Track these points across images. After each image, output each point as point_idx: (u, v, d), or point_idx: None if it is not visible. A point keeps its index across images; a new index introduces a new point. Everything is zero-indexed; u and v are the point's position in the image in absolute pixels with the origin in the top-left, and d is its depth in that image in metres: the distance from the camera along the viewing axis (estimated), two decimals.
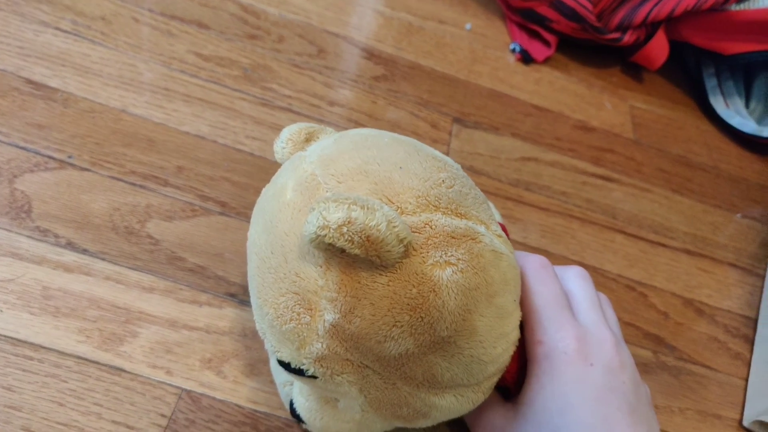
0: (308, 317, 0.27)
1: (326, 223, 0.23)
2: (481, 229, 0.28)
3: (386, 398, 0.30)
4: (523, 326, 0.32)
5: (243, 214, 0.50)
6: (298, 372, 0.29)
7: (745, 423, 0.51)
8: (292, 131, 0.34)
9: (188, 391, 0.40)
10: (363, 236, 0.24)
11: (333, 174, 0.28)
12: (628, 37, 0.71)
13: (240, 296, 0.46)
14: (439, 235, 0.27)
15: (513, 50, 0.73)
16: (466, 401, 0.30)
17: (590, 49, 0.75)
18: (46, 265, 0.43)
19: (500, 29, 0.75)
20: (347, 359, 0.28)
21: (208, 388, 0.41)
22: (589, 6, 0.69)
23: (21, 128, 0.48)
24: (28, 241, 0.43)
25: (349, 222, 0.23)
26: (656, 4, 0.68)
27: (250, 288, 0.31)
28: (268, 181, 0.51)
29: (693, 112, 0.76)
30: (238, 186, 0.51)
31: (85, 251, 0.44)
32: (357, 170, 0.28)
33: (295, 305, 0.27)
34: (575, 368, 0.30)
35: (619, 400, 0.30)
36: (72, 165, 0.48)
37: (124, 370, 0.40)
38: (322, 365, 0.28)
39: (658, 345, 0.53)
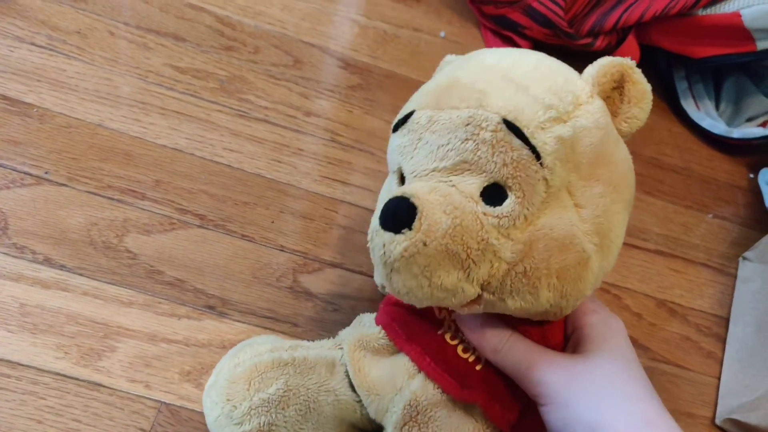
0: (566, 107, 0.30)
1: (631, 67, 0.32)
2: None
3: (556, 221, 0.31)
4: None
5: (221, 226, 0.50)
6: (525, 139, 0.29)
7: (718, 421, 0.52)
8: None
9: (167, 405, 0.41)
10: (647, 89, 0.33)
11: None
12: (599, 43, 0.72)
13: (219, 308, 0.46)
14: None
15: None
16: (595, 276, 0.33)
17: (563, 54, 0.76)
18: (23, 282, 0.43)
19: (475, 36, 0.76)
20: (567, 162, 0.30)
21: (187, 401, 0.41)
22: (561, 12, 0.70)
23: None
24: (4, 258, 0.44)
25: (644, 78, 0.33)
26: (626, 10, 0.70)
27: (477, 75, 0.32)
28: (247, 193, 0.52)
29: (665, 115, 0.78)
30: (216, 198, 0.51)
31: (62, 267, 0.44)
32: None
33: (558, 92, 0.30)
34: (624, 335, 0.36)
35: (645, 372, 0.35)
36: (49, 181, 0.48)
37: (103, 385, 0.40)
38: (554, 148, 0.30)
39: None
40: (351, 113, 0.62)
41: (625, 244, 0.61)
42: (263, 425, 0.38)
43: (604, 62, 0.32)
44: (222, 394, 0.38)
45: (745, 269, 0.62)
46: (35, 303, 0.42)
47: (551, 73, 0.32)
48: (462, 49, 0.73)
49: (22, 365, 0.40)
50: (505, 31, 0.75)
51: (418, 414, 0.36)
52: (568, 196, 0.31)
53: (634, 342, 0.54)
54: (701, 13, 0.67)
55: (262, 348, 0.41)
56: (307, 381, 0.39)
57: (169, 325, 0.44)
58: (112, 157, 0.51)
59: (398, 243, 0.28)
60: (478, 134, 0.29)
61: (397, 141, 0.33)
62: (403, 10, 0.74)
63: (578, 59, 0.76)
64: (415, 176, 0.32)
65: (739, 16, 0.65)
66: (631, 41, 0.73)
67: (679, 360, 0.55)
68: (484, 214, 0.30)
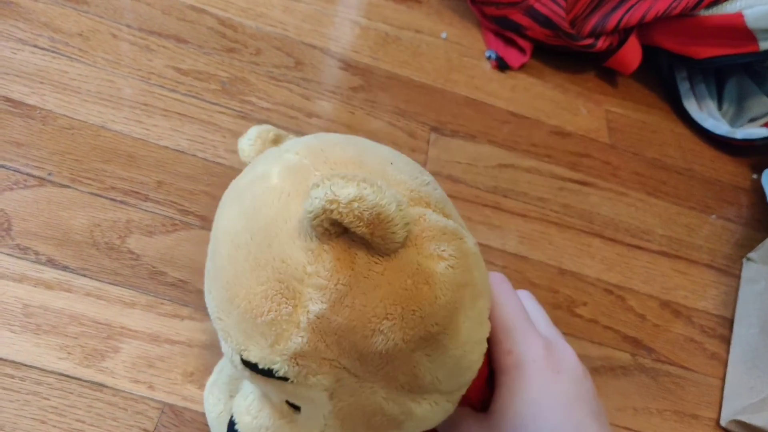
0: (290, 308, 0.25)
1: (336, 197, 0.23)
2: (464, 231, 0.29)
3: (359, 405, 0.28)
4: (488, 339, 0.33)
5: None
6: (267, 373, 0.27)
7: (723, 422, 0.52)
8: (260, 130, 0.33)
9: (171, 405, 0.41)
10: (373, 214, 0.23)
11: (325, 162, 0.27)
12: (601, 43, 0.72)
13: None
14: (433, 230, 0.27)
15: (489, 58, 0.74)
16: (440, 410, 0.30)
17: (565, 55, 0.76)
18: (26, 283, 0.43)
19: (476, 37, 0.76)
20: (326, 358, 0.26)
21: (190, 402, 0.41)
22: (562, 13, 0.70)
23: (0, 146, 0.49)
24: (8, 258, 0.43)
25: (360, 198, 0.23)
26: (628, 11, 0.70)
27: (212, 282, 0.29)
28: None
29: (667, 116, 0.78)
30: (218, 200, 0.51)
31: (65, 268, 0.44)
32: (351, 160, 0.27)
33: (275, 294, 0.25)
34: (545, 376, 0.31)
35: (586, 407, 0.31)
36: (51, 182, 0.48)
37: (106, 386, 0.40)
38: (298, 363, 0.26)
39: (636, 347, 0.54)
40: (353, 114, 0.62)
41: (628, 245, 0.61)
42: None
43: (306, 212, 0.24)
44: (224, 390, 0.38)
45: (749, 270, 0.62)
46: (38, 303, 0.42)
47: (266, 254, 0.26)
48: (464, 51, 0.73)
49: (25, 366, 0.39)
50: (506, 32, 0.75)
51: None
52: (353, 379, 0.27)
53: (638, 343, 0.54)
54: (703, 13, 0.67)
55: None
56: None
57: (172, 326, 0.44)
58: (115, 159, 0.51)
59: None
60: (240, 372, 0.29)
61: None
62: (404, 12, 0.75)
63: (581, 60, 0.76)
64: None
65: (742, 16, 0.65)
66: (633, 42, 0.73)
67: (684, 361, 0.55)
68: (293, 421, 0.32)
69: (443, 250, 0.27)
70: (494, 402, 0.32)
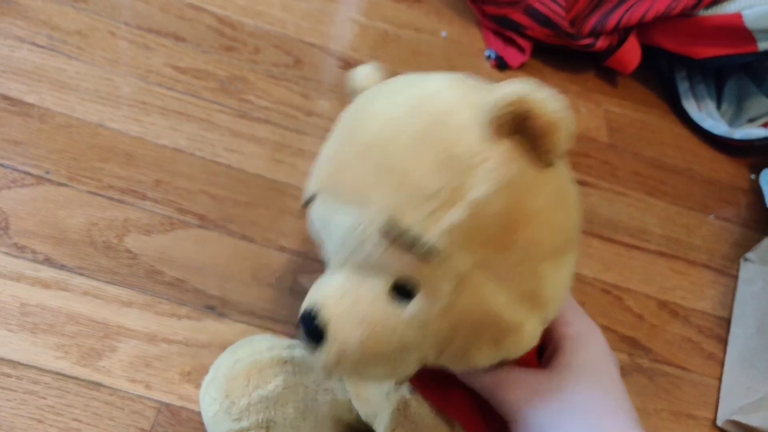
0: (458, 182, 0.26)
1: (532, 93, 0.25)
2: None
3: (477, 304, 0.28)
4: None
5: (221, 226, 0.50)
6: (412, 242, 0.27)
7: (719, 422, 0.52)
8: (376, 66, 0.34)
9: (167, 405, 0.41)
10: (557, 117, 0.25)
11: (473, 88, 0.29)
12: (601, 43, 0.72)
13: (219, 309, 0.46)
14: (565, 166, 0.30)
15: (488, 57, 0.74)
16: (534, 337, 0.30)
17: (564, 54, 0.76)
18: (23, 282, 0.43)
19: (475, 36, 0.76)
20: (473, 241, 0.27)
21: (187, 401, 0.41)
22: (562, 12, 0.70)
23: None
24: (5, 257, 0.43)
25: (552, 101, 0.25)
26: (627, 10, 0.70)
27: (355, 155, 0.29)
28: (247, 194, 0.52)
29: (666, 116, 0.78)
30: (217, 199, 0.51)
31: (62, 267, 0.44)
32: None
33: (446, 166, 0.26)
34: (603, 348, 0.35)
35: (622, 385, 0.34)
36: (49, 180, 0.48)
37: (103, 385, 0.40)
38: (448, 238, 0.26)
39: (633, 347, 0.54)
40: None
41: (626, 245, 0.61)
42: (261, 422, 0.38)
43: (496, 100, 0.26)
44: (220, 390, 0.38)
45: (746, 270, 0.62)
46: (36, 302, 0.42)
47: (438, 134, 0.27)
48: (464, 50, 0.73)
49: (22, 365, 0.39)
50: (506, 31, 0.75)
51: (405, 419, 0.35)
52: (483, 274, 0.28)
53: (636, 343, 0.54)
54: (703, 13, 0.67)
55: (260, 346, 0.41)
56: (305, 379, 0.39)
57: (169, 325, 0.44)
58: (113, 157, 0.51)
59: (317, 359, 0.30)
60: (366, 242, 0.28)
61: (312, 217, 0.32)
62: (403, 10, 0.74)
63: (580, 59, 0.76)
64: (332, 263, 0.31)
65: (741, 17, 0.65)
66: (632, 42, 0.73)
67: (681, 361, 0.55)
68: (396, 314, 0.29)
69: (573, 183, 0.30)
70: (556, 359, 0.34)
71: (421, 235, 0.26)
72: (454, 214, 0.26)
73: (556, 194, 0.28)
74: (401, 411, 0.35)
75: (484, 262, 0.27)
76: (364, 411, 0.38)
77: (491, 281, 0.28)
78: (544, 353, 0.36)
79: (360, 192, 0.28)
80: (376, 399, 0.37)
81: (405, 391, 0.36)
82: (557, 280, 0.29)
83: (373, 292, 0.29)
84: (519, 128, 0.26)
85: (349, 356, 0.29)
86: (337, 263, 0.31)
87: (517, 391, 0.33)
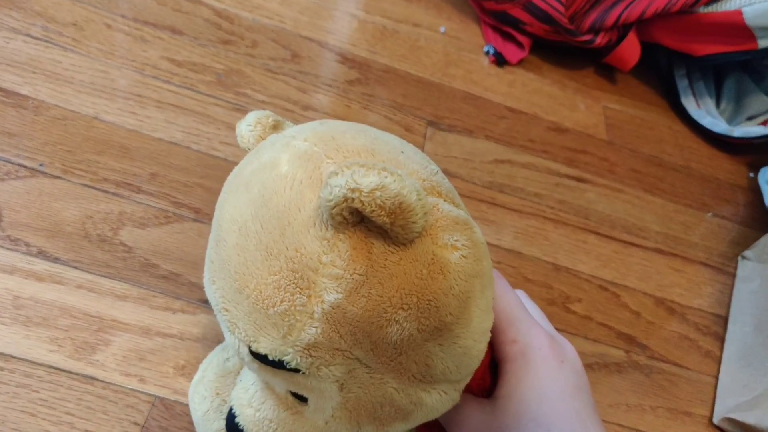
0: (304, 298, 0.25)
1: (357, 186, 0.22)
2: (472, 221, 0.29)
3: (368, 396, 0.28)
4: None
5: None
6: (277, 364, 0.26)
7: (715, 420, 0.52)
8: (260, 115, 0.32)
9: (161, 399, 0.40)
10: (395, 203, 0.22)
11: (337, 149, 0.26)
12: (600, 39, 0.72)
13: None
14: (446, 219, 0.26)
15: (487, 53, 0.73)
16: (448, 399, 0.30)
17: (563, 50, 0.76)
18: (17, 275, 0.42)
19: (474, 32, 0.76)
20: (339, 349, 0.26)
21: (181, 395, 0.41)
22: (562, 9, 0.70)
23: None
24: None
25: (382, 187, 0.22)
26: (627, 7, 0.69)
27: (217, 273, 0.28)
28: None
29: (665, 113, 0.77)
30: (212, 192, 0.51)
31: (56, 260, 0.44)
32: (363, 148, 0.27)
33: (289, 284, 0.25)
34: (550, 364, 0.32)
35: (586, 398, 0.32)
36: (43, 173, 0.48)
37: (97, 379, 0.40)
38: (311, 354, 0.25)
39: (630, 344, 0.54)
40: (349, 108, 0.62)
41: (623, 242, 0.61)
42: None
43: (324, 200, 0.23)
44: (211, 388, 0.38)
45: (744, 268, 0.62)
46: (29, 295, 0.42)
47: (279, 244, 0.25)
48: (462, 45, 0.72)
49: (15, 358, 0.39)
50: (505, 27, 0.75)
51: None
52: (365, 370, 0.27)
53: (633, 340, 0.54)
54: (702, 10, 0.67)
55: None
56: None
57: (163, 318, 0.44)
58: (108, 150, 0.51)
59: None
60: (246, 363, 0.28)
61: None
62: (402, 5, 0.74)
63: (579, 56, 0.76)
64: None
65: (741, 14, 0.65)
66: (631, 38, 0.72)
67: (678, 359, 0.55)
68: (299, 412, 0.31)
69: (456, 240, 0.26)
70: (499, 388, 0.32)
71: (281, 358, 0.26)
72: (310, 332, 0.25)
73: (427, 270, 0.25)
74: None
75: (361, 360, 0.26)
76: None
77: (373, 375, 0.27)
78: (496, 372, 0.34)
79: (226, 315, 0.27)
80: None
81: None
82: (451, 353, 0.27)
83: (276, 395, 0.31)
84: (361, 217, 0.24)
85: None
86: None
87: (464, 427, 0.32)
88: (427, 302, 0.25)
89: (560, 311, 0.54)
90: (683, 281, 0.61)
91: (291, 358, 0.26)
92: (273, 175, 0.26)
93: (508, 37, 0.75)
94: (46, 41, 0.55)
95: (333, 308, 0.25)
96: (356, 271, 0.24)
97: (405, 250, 0.25)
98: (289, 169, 0.26)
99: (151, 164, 0.51)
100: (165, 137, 0.53)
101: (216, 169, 0.52)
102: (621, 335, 0.55)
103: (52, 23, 0.56)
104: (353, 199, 0.22)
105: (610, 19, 0.70)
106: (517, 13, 0.72)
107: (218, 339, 0.44)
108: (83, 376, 0.40)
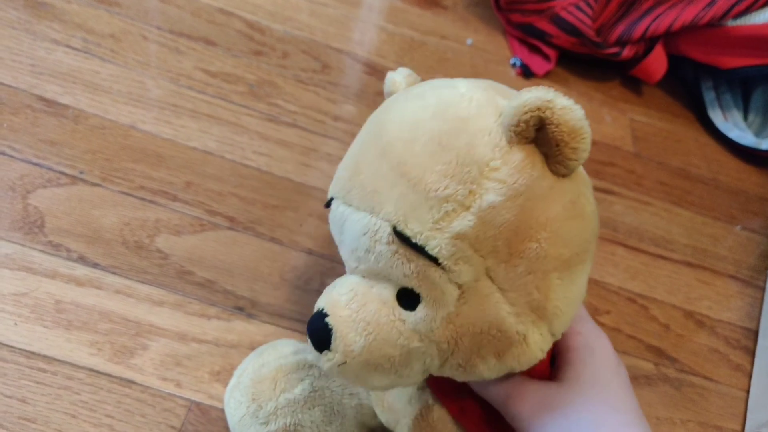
0: (466, 191, 0.26)
1: (551, 99, 0.25)
2: None
3: (480, 314, 0.28)
4: None
5: (250, 228, 0.50)
6: (418, 249, 0.27)
7: None
8: (410, 71, 0.35)
9: (197, 403, 0.41)
10: (577, 126, 0.25)
11: (505, 96, 0.29)
12: (627, 52, 0.72)
13: (248, 310, 0.46)
14: (584, 175, 0.30)
15: (514, 65, 0.74)
16: (542, 348, 0.30)
17: (590, 63, 0.76)
18: (58, 279, 0.43)
19: (501, 44, 0.76)
20: (479, 251, 0.27)
21: (217, 401, 0.41)
22: (588, 21, 0.70)
23: (33, 145, 0.49)
24: (41, 255, 0.44)
25: (571, 109, 0.25)
26: (655, 19, 0.69)
27: (367, 163, 0.29)
28: (275, 196, 0.53)
29: (692, 125, 0.77)
30: (246, 201, 0.52)
31: (96, 265, 0.45)
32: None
33: (455, 175, 0.26)
34: (611, 359, 0.34)
35: (633, 396, 0.33)
36: (83, 180, 0.49)
37: (135, 383, 0.41)
38: (455, 245, 0.26)
39: (659, 357, 0.54)
40: None
41: (652, 254, 0.61)
42: (289, 425, 0.38)
43: (516, 106, 0.26)
44: (247, 394, 0.38)
45: None
46: (70, 300, 0.43)
47: (455, 140, 0.27)
48: (489, 57, 0.73)
49: (57, 360, 0.40)
50: (531, 40, 0.75)
51: (427, 425, 0.35)
52: (489, 283, 0.28)
53: (662, 353, 0.54)
54: (731, 23, 0.67)
55: (285, 350, 0.41)
56: (331, 383, 0.40)
57: (199, 325, 0.45)
58: (144, 159, 0.52)
59: (322, 362, 0.30)
60: (375, 246, 0.28)
61: (330, 219, 0.33)
62: (429, 18, 0.75)
63: (605, 68, 0.76)
64: (346, 266, 0.32)
65: None
66: (658, 51, 0.72)
67: (708, 372, 0.55)
68: (401, 320, 0.29)
69: (591, 199, 0.30)
70: (565, 371, 0.34)
71: (427, 243, 0.27)
72: (462, 222, 0.26)
73: (571, 205, 0.28)
74: (424, 417, 0.35)
75: (490, 271, 0.27)
76: (386, 418, 0.38)
77: (496, 290, 0.28)
78: (555, 363, 0.35)
79: (372, 196, 0.28)
80: (399, 405, 0.37)
81: (428, 397, 0.36)
82: (566, 293, 0.29)
83: (380, 298, 0.29)
84: (538, 136, 0.26)
85: (354, 361, 0.29)
86: (350, 267, 0.31)
87: (527, 404, 0.33)
88: (566, 233, 0.28)
89: None
90: (712, 294, 0.60)
91: (436, 245, 0.27)
92: (452, 92, 0.29)
93: (535, 50, 0.76)
94: (86, 52, 0.56)
95: (489, 208, 0.26)
96: (518, 182, 0.26)
97: (559, 181, 0.27)
98: (467, 91, 0.29)
99: (186, 173, 0.52)
100: (199, 146, 0.54)
101: (249, 178, 0.53)
102: (650, 348, 0.55)
103: (91, 35, 0.58)
104: (545, 109, 0.25)
105: (638, 31, 0.70)
106: (544, 25, 0.73)
107: (252, 346, 0.44)
108: (122, 379, 0.41)
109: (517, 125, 0.26)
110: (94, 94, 0.54)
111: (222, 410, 0.41)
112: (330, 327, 0.29)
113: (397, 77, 0.34)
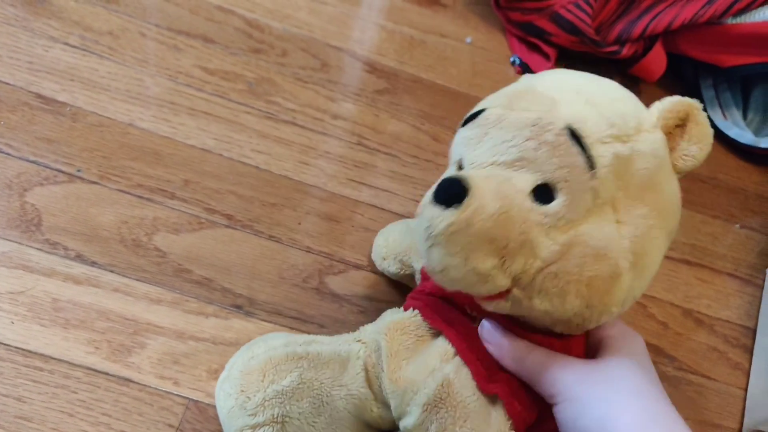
0: (630, 131, 0.31)
1: (698, 107, 0.33)
2: None
3: (597, 232, 0.31)
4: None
5: (249, 226, 0.50)
6: (584, 148, 0.30)
7: None
8: None
9: (195, 402, 0.41)
10: (708, 132, 0.33)
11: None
12: (626, 50, 0.72)
13: (246, 308, 0.46)
14: None
15: (513, 63, 0.74)
16: (625, 294, 0.33)
17: (589, 61, 0.76)
18: (56, 278, 0.43)
19: (500, 42, 0.76)
20: (618, 179, 0.31)
21: (214, 399, 0.41)
22: (588, 20, 0.70)
23: (30, 142, 0.49)
24: (38, 253, 0.44)
25: (709, 123, 0.33)
26: (654, 18, 0.69)
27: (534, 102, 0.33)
28: (274, 194, 0.53)
29: None
30: (244, 199, 0.52)
31: (93, 263, 0.45)
32: None
33: (626, 115, 0.32)
34: (643, 348, 0.37)
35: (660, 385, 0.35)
36: (80, 178, 0.49)
37: (133, 381, 0.41)
38: (609, 162, 0.30)
39: (657, 355, 0.54)
40: (377, 117, 0.62)
41: None
42: (277, 416, 0.38)
43: (672, 100, 0.33)
44: (236, 385, 0.38)
45: None
46: (67, 298, 0.43)
47: (621, 98, 0.33)
48: (489, 56, 0.73)
49: (54, 359, 0.40)
50: (531, 38, 0.75)
51: (449, 396, 0.36)
52: (611, 211, 0.31)
53: (660, 351, 0.54)
54: (731, 21, 0.67)
55: (276, 342, 0.41)
56: (320, 375, 0.40)
57: (197, 323, 0.44)
58: (142, 157, 0.52)
59: (444, 218, 0.29)
60: (542, 135, 0.30)
61: (463, 134, 0.34)
62: (429, 16, 0.75)
63: (605, 66, 0.76)
64: (473, 167, 0.32)
65: None
66: (658, 49, 0.72)
67: (706, 370, 0.55)
68: (531, 209, 0.30)
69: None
70: (602, 353, 0.36)
71: (593, 147, 0.30)
72: (621, 148, 0.31)
73: (677, 195, 0.34)
74: (444, 388, 0.36)
75: (620, 201, 0.31)
76: (396, 399, 0.38)
77: (615, 221, 0.31)
78: (589, 353, 0.37)
79: (547, 103, 0.32)
80: (419, 377, 0.37)
81: (450, 370, 0.36)
82: (656, 256, 0.33)
83: (518, 185, 0.31)
84: (673, 130, 0.33)
85: (479, 223, 0.29)
86: (483, 165, 0.32)
87: (569, 372, 0.34)
88: (675, 209, 0.34)
89: None
90: (711, 292, 0.60)
91: (599, 153, 0.30)
92: (601, 80, 0.35)
93: (534, 48, 0.76)
94: (83, 50, 0.56)
95: (638, 152, 0.31)
96: (659, 148, 0.32)
97: (672, 177, 0.33)
98: (613, 84, 0.34)
99: (184, 171, 0.52)
100: (197, 144, 0.54)
101: (247, 176, 0.53)
102: (649, 346, 0.54)
103: (89, 32, 0.58)
104: (694, 108, 0.33)
105: (637, 30, 0.70)
106: (543, 23, 0.73)
107: None
108: (119, 377, 0.41)
109: (670, 111, 0.33)
110: (92, 91, 0.54)
111: None
112: (468, 185, 0.30)
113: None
